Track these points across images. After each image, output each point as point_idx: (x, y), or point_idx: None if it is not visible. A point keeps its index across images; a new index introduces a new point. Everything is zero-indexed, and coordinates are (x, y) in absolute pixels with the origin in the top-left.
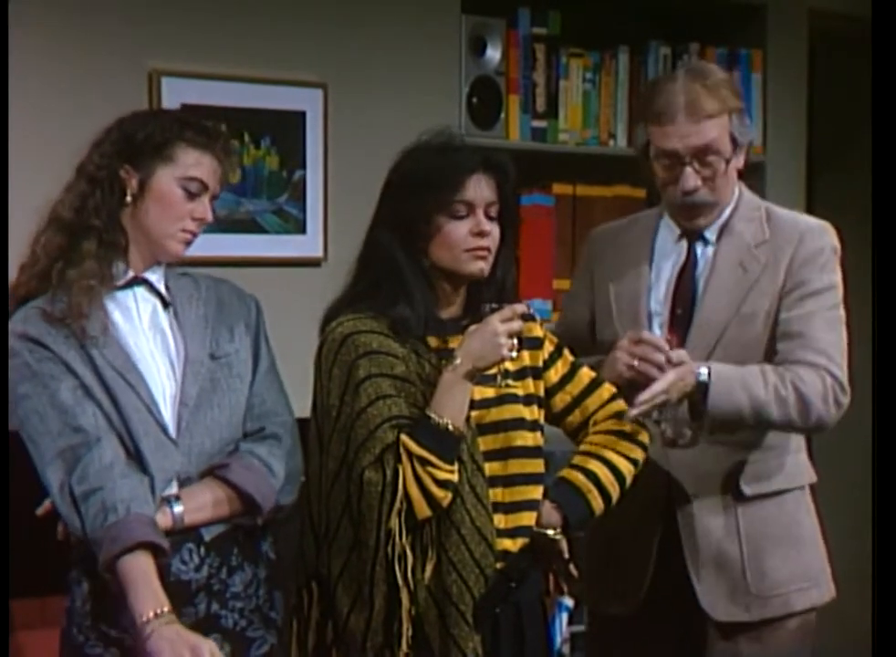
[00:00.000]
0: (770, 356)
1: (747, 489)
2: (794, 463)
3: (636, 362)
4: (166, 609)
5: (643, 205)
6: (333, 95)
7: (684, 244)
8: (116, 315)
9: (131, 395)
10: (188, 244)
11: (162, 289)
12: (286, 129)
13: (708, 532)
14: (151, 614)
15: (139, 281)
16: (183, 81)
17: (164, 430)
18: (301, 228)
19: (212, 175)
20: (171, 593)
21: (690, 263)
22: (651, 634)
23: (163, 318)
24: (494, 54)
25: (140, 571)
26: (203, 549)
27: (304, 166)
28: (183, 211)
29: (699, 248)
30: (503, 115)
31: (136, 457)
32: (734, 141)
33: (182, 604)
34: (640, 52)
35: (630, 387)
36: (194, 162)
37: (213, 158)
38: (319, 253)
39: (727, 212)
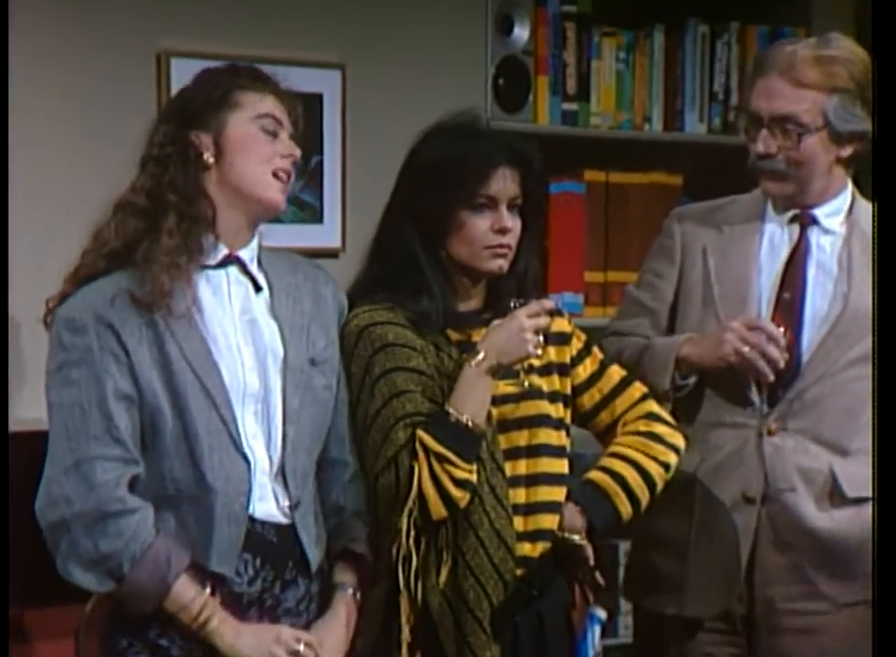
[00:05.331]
0: None
1: (849, 491)
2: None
3: (746, 349)
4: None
5: (680, 193)
6: (352, 76)
7: (796, 227)
8: (207, 295)
9: (203, 401)
10: (284, 190)
11: (255, 270)
12: (303, 112)
13: (812, 526)
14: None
15: (231, 260)
16: (194, 62)
17: (237, 446)
18: (318, 217)
19: (282, 113)
20: (222, 605)
21: (802, 247)
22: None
23: (256, 304)
24: (521, 33)
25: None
26: (259, 561)
27: (321, 151)
28: (269, 150)
29: (813, 233)
30: (531, 97)
31: (194, 469)
32: (826, 122)
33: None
34: (677, 31)
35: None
36: (260, 100)
37: (275, 98)
38: (337, 243)
39: (846, 203)
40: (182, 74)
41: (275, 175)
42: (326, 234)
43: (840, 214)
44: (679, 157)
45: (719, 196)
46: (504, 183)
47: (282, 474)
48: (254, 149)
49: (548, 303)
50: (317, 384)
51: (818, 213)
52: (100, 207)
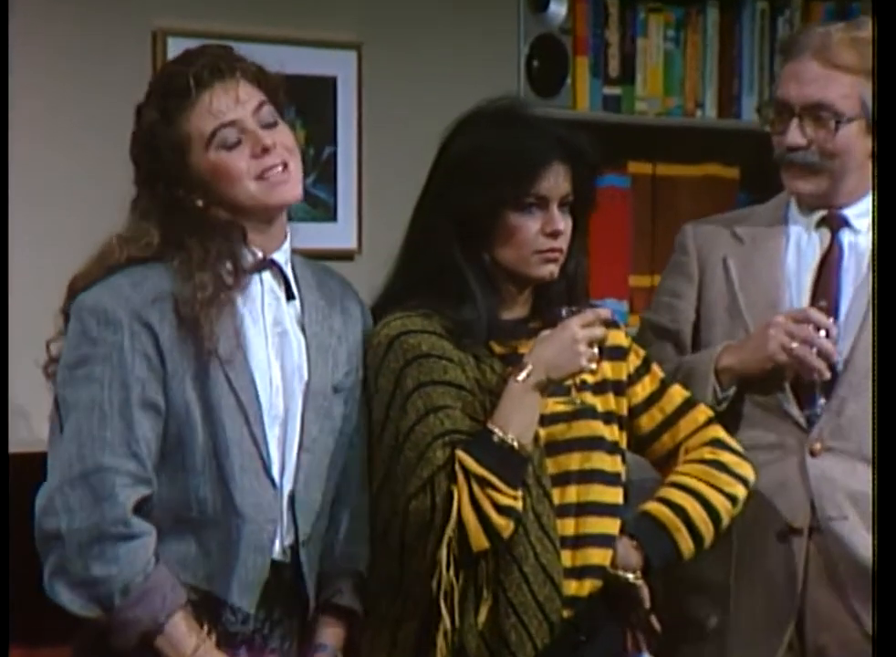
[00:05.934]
0: None
1: None
2: None
3: (795, 345)
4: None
5: (736, 188)
6: (368, 58)
7: (825, 230)
8: (243, 310)
9: (237, 417)
10: (282, 179)
11: (290, 272)
12: (314, 97)
13: (866, 558)
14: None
15: (265, 265)
16: (193, 42)
17: (267, 469)
18: (331, 215)
19: (228, 98)
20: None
21: (834, 252)
22: None
23: (287, 314)
24: (558, 8)
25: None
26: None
27: (334, 142)
28: (242, 162)
29: (844, 236)
30: (569, 81)
31: (222, 490)
32: (865, 110)
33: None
34: (733, 7)
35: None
36: (204, 113)
37: (219, 88)
38: (352, 244)
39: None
40: None
41: (262, 178)
42: (340, 234)
43: (869, 215)
44: (735, 147)
45: (780, 190)
46: (556, 181)
47: (291, 508)
48: (228, 174)
49: (604, 312)
50: (338, 414)
51: (849, 213)
52: (97, 202)
